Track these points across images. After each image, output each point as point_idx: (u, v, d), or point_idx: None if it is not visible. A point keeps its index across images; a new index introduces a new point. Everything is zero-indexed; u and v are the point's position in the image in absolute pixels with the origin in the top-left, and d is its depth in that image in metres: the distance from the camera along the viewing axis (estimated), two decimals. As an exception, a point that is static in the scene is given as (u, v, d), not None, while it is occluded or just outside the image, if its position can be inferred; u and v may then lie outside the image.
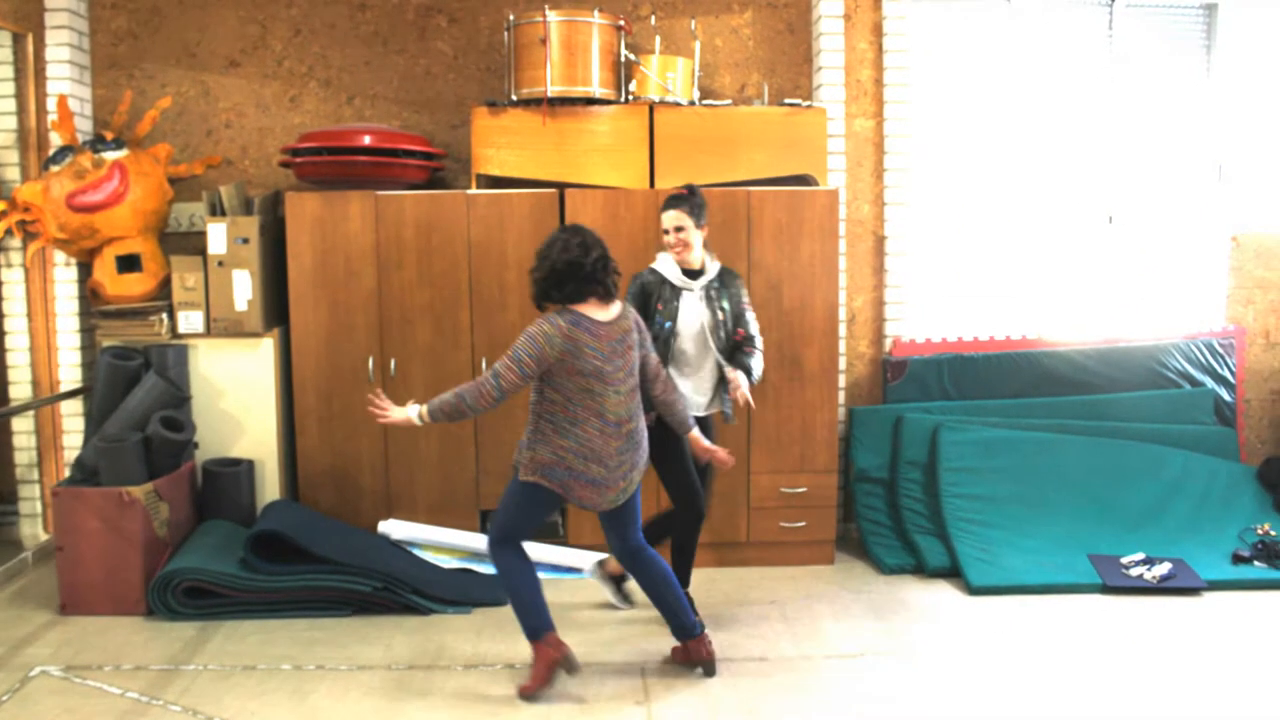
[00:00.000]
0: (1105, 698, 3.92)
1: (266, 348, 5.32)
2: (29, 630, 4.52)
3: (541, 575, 5.14)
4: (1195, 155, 6.08)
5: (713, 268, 4.50)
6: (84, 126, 5.58)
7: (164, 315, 5.26)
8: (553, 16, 5.10)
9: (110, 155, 5.30)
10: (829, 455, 5.35)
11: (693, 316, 4.43)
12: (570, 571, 5.26)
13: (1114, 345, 5.91)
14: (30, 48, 5.40)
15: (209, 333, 5.29)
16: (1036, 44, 5.94)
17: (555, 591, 5.05)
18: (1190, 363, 5.91)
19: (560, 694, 3.97)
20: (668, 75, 5.30)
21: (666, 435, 4.30)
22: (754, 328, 4.54)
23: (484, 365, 5.28)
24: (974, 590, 4.98)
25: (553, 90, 5.14)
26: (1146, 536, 5.35)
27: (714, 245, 5.20)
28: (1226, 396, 5.94)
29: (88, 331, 5.57)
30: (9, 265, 5.50)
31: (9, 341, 5.53)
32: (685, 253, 4.42)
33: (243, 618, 4.67)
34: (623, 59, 5.29)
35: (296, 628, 4.59)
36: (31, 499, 5.60)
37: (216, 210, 5.35)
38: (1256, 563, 5.12)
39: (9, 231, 5.28)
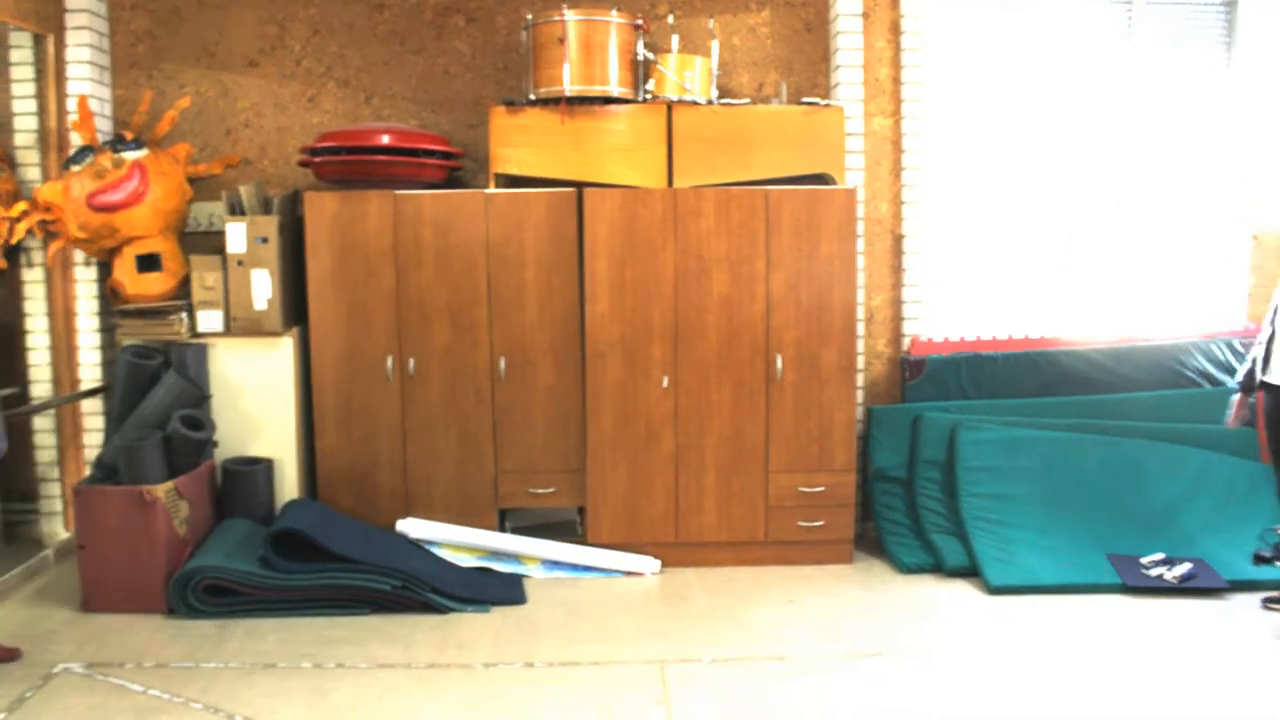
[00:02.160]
0: (1126, 699, 3.91)
1: (285, 347, 5.33)
2: (51, 628, 4.55)
3: (561, 574, 5.21)
4: (1216, 153, 6.04)
5: None
6: (104, 126, 5.61)
7: (183, 314, 5.29)
8: (571, 16, 5.10)
9: (130, 155, 5.32)
10: (847, 454, 5.35)
11: None
12: (589, 570, 5.26)
13: (1133, 344, 5.88)
14: (51, 48, 5.43)
15: (228, 332, 5.31)
16: (1055, 41, 5.92)
17: (573, 589, 5.07)
18: (1210, 362, 5.88)
19: (579, 693, 3.97)
20: (686, 74, 5.29)
21: None
22: None
23: (502, 364, 5.30)
24: (993, 590, 4.97)
25: (571, 89, 5.14)
26: (1166, 536, 5.32)
27: (732, 244, 5.21)
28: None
29: (108, 331, 5.60)
30: (30, 265, 5.53)
31: (30, 340, 5.56)
32: None
33: (262, 616, 4.68)
34: (641, 58, 5.29)
35: (316, 626, 4.60)
36: (52, 497, 5.62)
37: (235, 210, 5.37)
38: (1278, 563, 5.09)
39: (30, 231, 5.31)
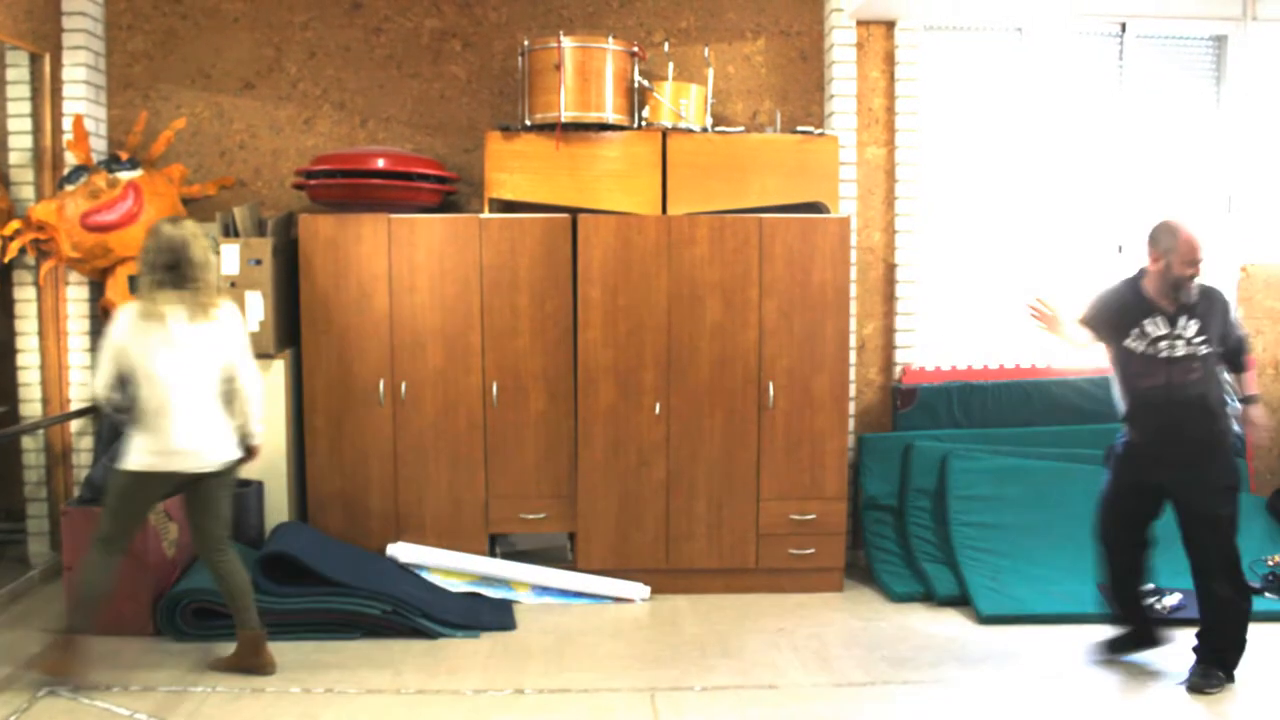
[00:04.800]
0: (1117, 730, 3.92)
1: (277, 369, 5.32)
2: (37, 650, 4.49)
3: (551, 600, 5.20)
4: (1205, 185, 6.09)
5: None
6: (99, 146, 5.61)
7: (176, 335, 5.26)
8: (567, 42, 5.13)
9: (125, 175, 5.32)
10: (838, 482, 5.35)
11: None
12: (579, 596, 5.25)
13: (1123, 375, 5.90)
14: (47, 68, 5.43)
15: (220, 353, 5.29)
16: (1047, 73, 5.97)
17: (563, 615, 5.05)
18: (1200, 393, 5.90)
19: (570, 720, 3.97)
20: (681, 102, 5.32)
21: None
22: None
23: (494, 389, 5.29)
24: (983, 619, 4.97)
25: (566, 115, 5.16)
26: (1156, 567, 5.32)
27: (725, 272, 5.23)
28: (1236, 427, 5.91)
29: (99, 351, 5.57)
30: (22, 284, 5.52)
31: (21, 360, 5.54)
32: None
33: (251, 639, 4.65)
34: (636, 85, 5.32)
35: (305, 650, 4.57)
36: (40, 517, 5.59)
37: (230, 231, 5.37)
38: (1267, 594, 5.11)
39: (23, 250, 5.30)
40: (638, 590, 5.30)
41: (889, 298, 5.90)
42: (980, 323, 6.02)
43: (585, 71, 5.18)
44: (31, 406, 5.54)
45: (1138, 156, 6.04)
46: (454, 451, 5.34)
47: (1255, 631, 4.80)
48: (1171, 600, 4.97)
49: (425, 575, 5.17)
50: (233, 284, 5.25)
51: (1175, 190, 6.07)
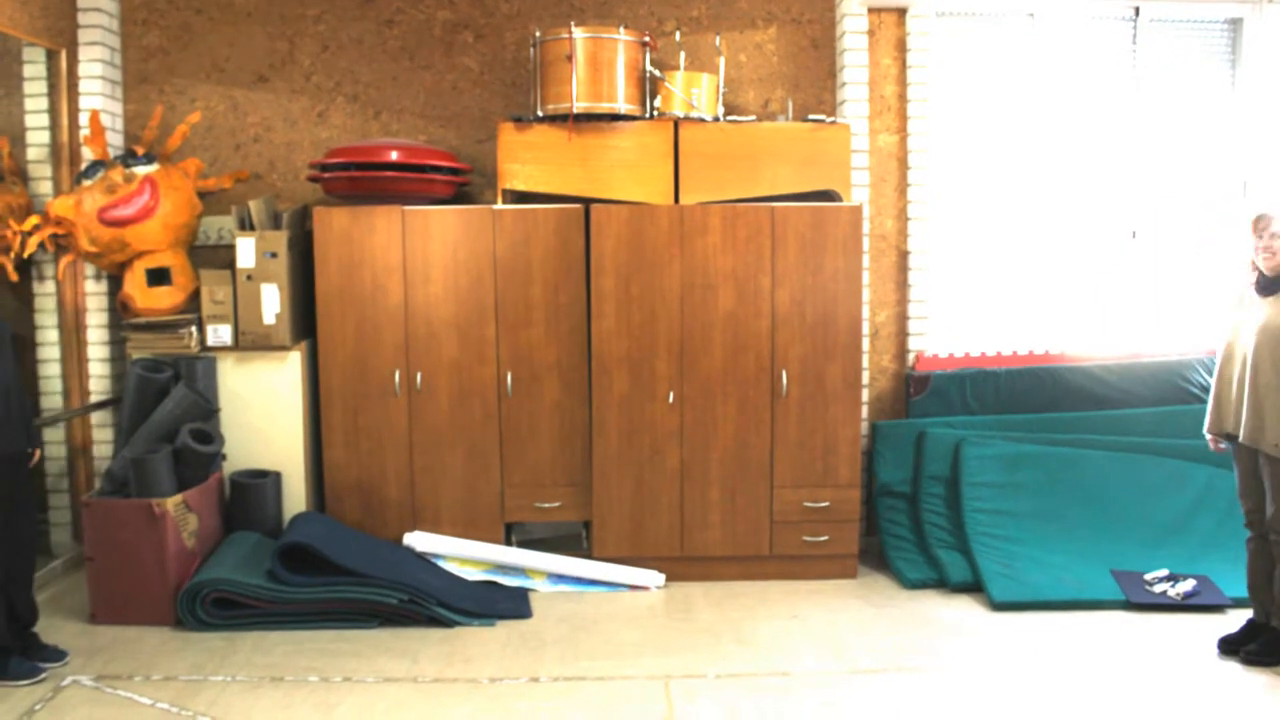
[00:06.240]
0: (1128, 716, 3.92)
1: (294, 361, 5.37)
2: (60, 640, 4.55)
3: (566, 588, 5.23)
4: (1219, 170, 6.06)
5: None
6: (115, 141, 5.66)
7: (193, 328, 5.32)
8: (579, 33, 5.14)
9: (141, 170, 5.37)
10: (852, 469, 5.37)
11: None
12: (594, 584, 5.28)
13: (1137, 360, 5.90)
14: (63, 63, 5.48)
15: (237, 346, 5.34)
16: (1060, 58, 5.94)
17: (578, 603, 5.09)
18: (1214, 378, 5.89)
19: (584, 708, 4.00)
20: (692, 91, 5.33)
21: None
22: None
23: (509, 379, 5.33)
24: (996, 605, 4.99)
25: (578, 106, 5.18)
26: (1170, 553, 5.33)
27: (738, 260, 5.24)
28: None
29: (118, 344, 5.64)
30: (41, 278, 5.58)
31: (41, 353, 5.60)
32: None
33: (270, 629, 4.71)
34: (648, 75, 5.32)
35: (323, 639, 4.63)
36: (61, 508, 5.66)
37: (245, 224, 5.41)
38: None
39: (42, 245, 5.35)
40: (652, 578, 5.33)
41: (902, 285, 5.90)
42: (994, 309, 6.02)
43: (597, 62, 5.19)
44: (52, 399, 5.60)
45: (1151, 141, 6.01)
46: (469, 441, 5.38)
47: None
48: (1185, 586, 4.98)
49: (442, 564, 5.22)
50: (249, 277, 5.30)
51: (1189, 175, 6.05)
